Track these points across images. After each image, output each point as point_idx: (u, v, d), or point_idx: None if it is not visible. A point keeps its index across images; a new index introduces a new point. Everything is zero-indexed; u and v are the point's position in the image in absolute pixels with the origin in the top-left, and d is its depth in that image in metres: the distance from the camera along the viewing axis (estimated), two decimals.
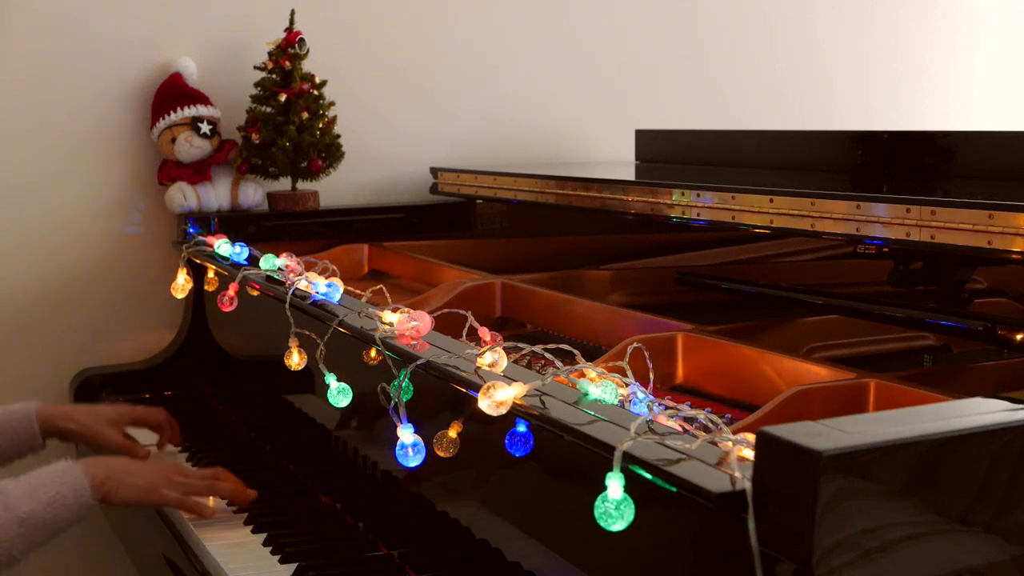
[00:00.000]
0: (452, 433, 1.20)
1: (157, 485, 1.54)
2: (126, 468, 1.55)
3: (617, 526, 0.87)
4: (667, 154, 2.49)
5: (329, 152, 2.33)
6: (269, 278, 1.76)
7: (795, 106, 3.09)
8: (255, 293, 1.77)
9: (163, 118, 2.27)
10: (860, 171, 2.01)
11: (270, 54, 2.28)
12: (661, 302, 1.89)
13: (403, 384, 1.22)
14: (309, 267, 1.75)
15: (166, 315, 2.38)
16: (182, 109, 2.26)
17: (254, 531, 1.54)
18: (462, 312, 1.36)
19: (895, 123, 3.17)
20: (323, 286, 1.60)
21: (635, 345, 1.24)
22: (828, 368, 1.34)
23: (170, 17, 2.36)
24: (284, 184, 2.38)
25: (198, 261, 2.10)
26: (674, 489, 0.86)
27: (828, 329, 1.62)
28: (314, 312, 1.56)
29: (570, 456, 1.06)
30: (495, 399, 1.04)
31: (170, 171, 2.30)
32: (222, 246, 2.02)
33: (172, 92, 2.29)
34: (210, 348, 2.28)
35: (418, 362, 1.21)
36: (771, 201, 1.56)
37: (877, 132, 2.07)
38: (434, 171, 2.50)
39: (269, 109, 2.28)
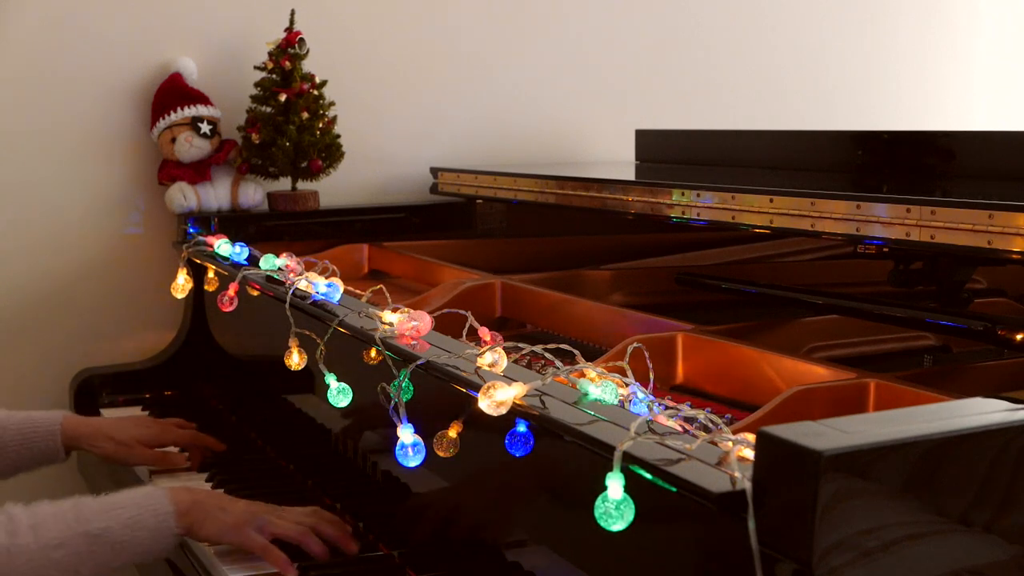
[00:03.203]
0: (452, 433, 1.20)
1: (245, 524, 1.42)
2: (216, 501, 1.45)
3: (617, 526, 0.87)
4: (667, 154, 2.49)
5: (329, 152, 2.33)
6: (269, 278, 1.76)
7: (795, 106, 3.09)
8: (255, 293, 1.77)
9: (163, 118, 2.27)
10: (860, 171, 2.01)
11: (270, 54, 2.28)
12: (661, 302, 1.89)
13: (403, 384, 1.22)
14: (309, 267, 1.75)
15: (166, 315, 2.38)
16: (182, 109, 2.26)
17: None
18: (462, 312, 1.36)
19: (895, 123, 3.17)
20: (323, 286, 1.60)
21: (635, 345, 1.24)
22: (828, 368, 1.34)
23: (170, 17, 2.36)
24: (284, 184, 2.38)
25: (198, 261, 2.10)
26: (674, 489, 0.86)
27: (828, 329, 1.62)
28: (314, 312, 1.56)
29: (570, 456, 1.06)
30: (495, 399, 1.04)
31: (170, 171, 2.30)
32: (222, 246, 2.02)
33: (172, 92, 2.29)
34: (210, 348, 2.28)
35: (418, 362, 1.22)
36: (771, 201, 1.56)
37: (877, 132, 2.07)
38: (434, 171, 2.50)
39: (269, 109, 2.28)
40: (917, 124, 3.19)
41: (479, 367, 1.17)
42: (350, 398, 1.42)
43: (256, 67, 2.30)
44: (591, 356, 1.33)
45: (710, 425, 0.94)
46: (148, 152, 2.36)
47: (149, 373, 2.30)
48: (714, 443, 0.90)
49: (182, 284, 2.08)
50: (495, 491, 1.30)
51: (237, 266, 1.89)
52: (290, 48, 2.27)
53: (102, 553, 1.32)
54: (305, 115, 2.26)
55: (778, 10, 3.09)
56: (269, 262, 1.78)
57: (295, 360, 1.55)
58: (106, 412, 2.21)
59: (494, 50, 2.70)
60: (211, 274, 2.04)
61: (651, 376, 1.17)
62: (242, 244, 1.98)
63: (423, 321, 1.35)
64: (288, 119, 2.25)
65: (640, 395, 1.04)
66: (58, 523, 1.32)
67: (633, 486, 0.88)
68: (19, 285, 2.32)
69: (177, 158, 2.28)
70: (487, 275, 1.94)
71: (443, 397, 1.29)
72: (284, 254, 1.80)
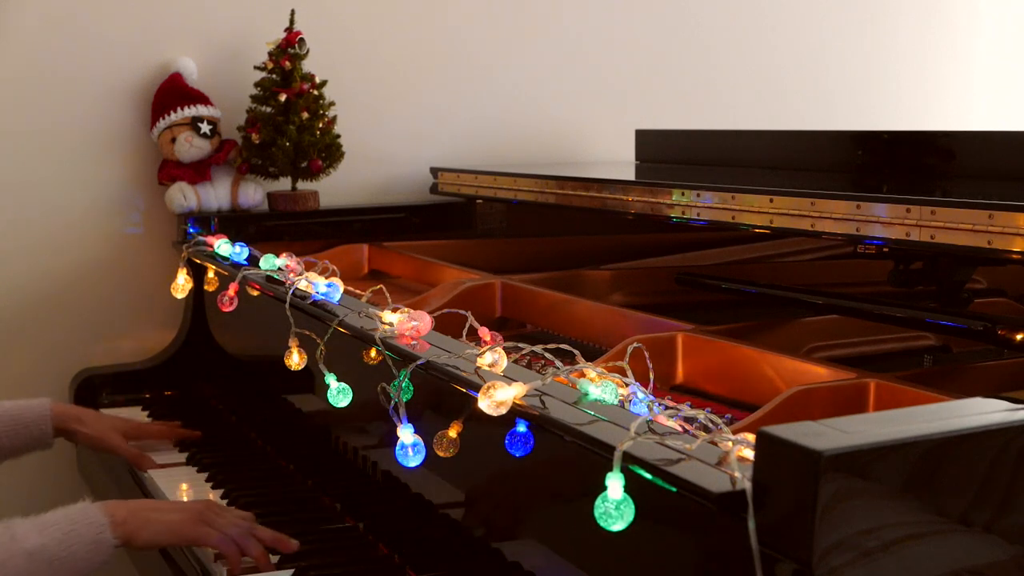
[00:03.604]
0: (452, 433, 1.20)
1: (188, 522, 1.41)
2: (151, 505, 1.45)
3: (617, 526, 0.87)
4: (667, 154, 2.49)
5: (329, 152, 2.33)
6: (269, 278, 1.76)
7: (795, 106, 3.09)
8: (255, 293, 1.77)
9: (163, 118, 2.27)
10: (860, 171, 2.01)
11: (270, 54, 2.28)
12: (661, 302, 1.89)
13: (403, 384, 1.22)
14: (309, 267, 1.75)
15: (166, 315, 2.38)
16: (182, 109, 2.26)
17: None
18: (462, 312, 1.36)
19: (895, 123, 3.17)
20: (323, 286, 1.60)
21: (635, 345, 1.24)
22: (828, 368, 1.34)
23: (170, 17, 2.37)
24: (284, 184, 2.38)
25: (198, 261, 2.10)
26: (674, 489, 0.86)
27: (828, 329, 1.62)
28: (314, 312, 1.56)
29: (570, 456, 1.06)
30: (495, 399, 1.04)
31: (170, 171, 2.30)
32: (222, 246, 2.02)
33: (172, 92, 2.29)
34: (210, 348, 2.28)
35: (418, 362, 1.21)
36: (771, 201, 1.56)
37: (877, 132, 2.07)
38: (434, 171, 2.50)
39: (269, 109, 2.28)
40: (917, 124, 3.19)
41: (479, 367, 1.17)
42: (350, 398, 1.42)
43: (256, 67, 2.30)
44: (591, 356, 1.33)
45: (710, 425, 0.94)
46: (148, 152, 2.36)
47: (149, 373, 2.30)
48: (714, 443, 0.90)
49: (182, 284, 2.08)
50: (495, 491, 1.30)
51: (237, 266, 1.89)
52: (290, 48, 2.27)
53: (40, 572, 1.30)
54: (305, 115, 2.26)
55: (778, 10, 3.09)
56: (269, 262, 1.78)
57: (295, 360, 1.55)
58: (106, 412, 2.21)
59: (494, 50, 2.70)
60: (211, 274, 2.04)
61: (651, 376, 1.17)
62: (242, 244, 1.98)
63: (423, 321, 1.35)
64: (288, 119, 2.25)
65: (640, 395, 1.04)
66: None
67: (633, 486, 0.88)
68: (19, 285, 2.32)
69: (177, 158, 2.28)
70: (487, 275, 1.94)
71: (443, 397, 1.29)
72: (284, 254, 1.80)
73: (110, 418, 1.92)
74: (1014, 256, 1.24)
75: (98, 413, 1.93)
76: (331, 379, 1.42)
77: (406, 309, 1.39)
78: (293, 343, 1.55)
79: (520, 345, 1.18)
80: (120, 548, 1.37)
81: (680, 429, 0.97)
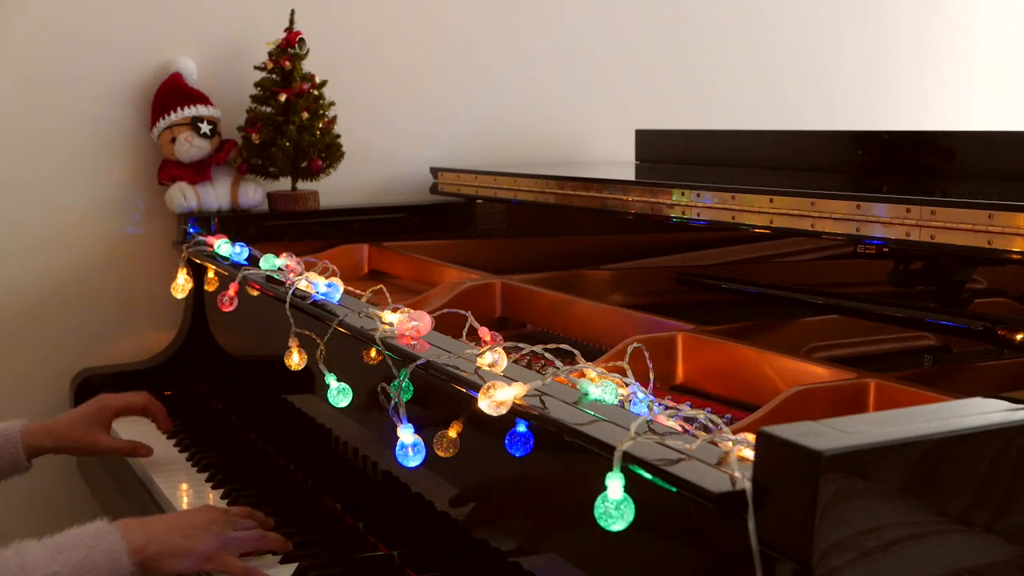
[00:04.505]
0: (452, 433, 1.20)
1: (212, 551, 1.35)
2: (169, 524, 1.37)
3: (617, 526, 0.87)
4: (667, 154, 2.49)
5: (329, 152, 2.33)
6: (269, 278, 1.76)
7: (795, 106, 3.09)
8: (255, 293, 1.77)
9: (163, 118, 2.27)
10: (860, 171, 2.01)
11: (270, 54, 2.28)
12: (661, 302, 1.89)
13: (403, 384, 1.22)
14: (309, 267, 1.75)
15: (166, 315, 2.38)
16: (182, 109, 2.26)
17: None
18: (462, 312, 1.36)
19: (895, 123, 3.17)
20: (323, 286, 1.60)
21: (635, 345, 1.24)
22: (828, 368, 1.34)
23: (170, 17, 2.37)
24: (284, 184, 2.38)
25: (198, 261, 2.10)
26: (674, 489, 0.86)
27: (828, 329, 1.62)
28: (314, 312, 1.56)
29: (570, 456, 1.06)
30: (495, 399, 1.04)
31: (170, 171, 2.30)
32: (222, 246, 2.02)
33: (172, 92, 2.29)
34: (210, 348, 2.28)
35: (418, 362, 1.21)
36: (771, 201, 1.56)
37: (877, 132, 2.07)
38: (434, 171, 2.50)
39: (269, 109, 2.28)
40: (917, 124, 3.20)
41: (479, 367, 1.17)
42: (350, 398, 1.42)
43: (256, 67, 2.30)
44: (591, 356, 1.33)
45: (710, 425, 0.94)
46: (148, 152, 2.36)
47: (149, 373, 2.30)
48: (714, 443, 0.90)
49: (182, 284, 2.08)
50: (495, 491, 1.30)
51: (237, 266, 1.89)
52: (290, 48, 2.27)
53: None
54: (305, 115, 2.26)
55: (778, 10, 3.09)
56: (269, 262, 1.78)
57: (295, 360, 1.55)
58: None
59: (494, 50, 2.70)
60: (211, 274, 2.04)
61: (651, 376, 1.17)
62: (242, 244, 1.98)
63: (423, 321, 1.35)
64: (288, 119, 2.25)
65: (640, 395, 1.04)
66: (2, 572, 1.24)
67: (633, 486, 0.88)
68: (19, 285, 2.32)
69: (177, 158, 2.28)
70: (487, 275, 1.94)
71: (443, 397, 1.29)
72: (284, 254, 1.80)
73: (78, 413, 1.78)
74: (1014, 256, 1.24)
75: (69, 415, 1.79)
76: (331, 379, 1.42)
77: (406, 309, 1.39)
78: (293, 343, 1.55)
79: (520, 345, 1.18)
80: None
81: (680, 429, 0.97)
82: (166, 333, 2.37)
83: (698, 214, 1.70)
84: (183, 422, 2.04)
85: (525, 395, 1.06)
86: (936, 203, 1.33)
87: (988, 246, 1.26)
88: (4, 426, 1.68)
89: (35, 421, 1.74)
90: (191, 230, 2.26)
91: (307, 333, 1.51)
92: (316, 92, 2.30)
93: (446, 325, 1.40)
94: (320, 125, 2.29)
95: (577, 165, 2.61)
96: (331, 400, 1.42)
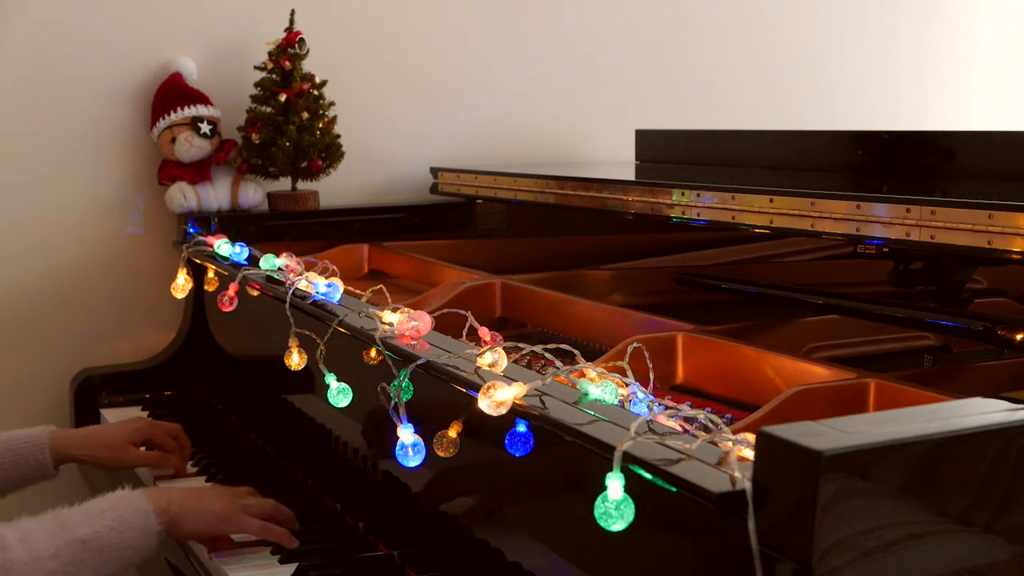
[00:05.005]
0: (452, 433, 1.20)
1: (230, 510, 1.43)
2: (190, 494, 1.45)
3: (617, 526, 0.87)
4: (667, 154, 2.49)
5: (329, 152, 2.33)
6: (269, 278, 1.76)
7: (795, 106, 3.09)
8: (255, 293, 1.77)
9: (163, 118, 2.27)
10: (860, 171, 2.01)
11: (270, 54, 2.28)
12: (661, 302, 1.89)
13: (403, 384, 1.22)
14: (309, 267, 1.75)
15: (166, 315, 2.38)
16: (182, 109, 2.26)
17: None
18: (462, 312, 1.36)
19: (895, 123, 3.17)
20: (323, 286, 1.60)
21: (635, 345, 1.24)
22: (828, 368, 1.34)
23: (170, 17, 2.37)
24: (284, 184, 2.38)
25: (198, 261, 2.10)
26: (674, 489, 0.86)
27: (828, 329, 1.62)
28: (314, 312, 1.56)
29: (570, 456, 1.06)
30: (495, 399, 1.04)
31: (170, 171, 2.30)
32: (222, 246, 2.02)
33: (172, 92, 2.30)
34: (210, 348, 2.28)
35: (418, 362, 1.22)
36: (771, 201, 1.56)
37: (877, 132, 2.07)
38: (434, 171, 2.50)
39: (269, 109, 2.28)
40: (917, 124, 3.19)
41: (479, 367, 1.17)
42: (350, 398, 1.42)
43: (256, 67, 2.30)
44: (591, 356, 1.33)
45: (710, 425, 0.94)
46: (148, 152, 2.36)
47: (149, 373, 2.30)
48: (714, 443, 0.90)
49: (182, 284, 2.08)
50: (495, 491, 1.30)
51: (237, 266, 1.89)
52: (290, 48, 2.27)
53: (93, 559, 1.31)
54: (305, 115, 2.26)
55: (778, 10, 3.09)
56: (269, 262, 1.78)
57: (295, 360, 1.55)
58: (106, 412, 2.21)
59: (494, 50, 2.70)
60: (211, 274, 2.04)
61: (651, 376, 1.17)
62: (242, 244, 1.98)
63: (423, 321, 1.35)
64: (288, 119, 2.25)
65: (640, 395, 1.04)
66: (46, 534, 1.31)
67: (633, 486, 0.88)
68: (19, 285, 2.32)
69: (177, 158, 2.28)
70: (487, 275, 1.94)
71: (443, 397, 1.29)
72: (284, 254, 1.80)
73: (113, 431, 1.78)
74: (1014, 256, 1.24)
75: (103, 430, 1.80)
76: (331, 379, 1.42)
77: (406, 309, 1.39)
78: (293, 343, 1.55)
79: (520, 345, 1.18)
80: (163, 536, 1.39)
81: (680, 429, 0.97)
82: (166, 333, 2.37)
83: (698, 214, 1.70)
84: (183, 422, 2.04)
85: (525, 395, 1.06)
86: (936, 203, 1.33)
87: (988, 246, 1.26)
88: (34, 432, 1.69)
89: (42, 424, 1.73)
90: (191, 230, 2.26)
91: (307, 333, 1.51)
92: (316, 92, 2.30)
93: (446, 325, 1.40)
94: (320, 125, 2.29)
95: (577, 165, 2.61)
96: (331, 400, 1.42)
